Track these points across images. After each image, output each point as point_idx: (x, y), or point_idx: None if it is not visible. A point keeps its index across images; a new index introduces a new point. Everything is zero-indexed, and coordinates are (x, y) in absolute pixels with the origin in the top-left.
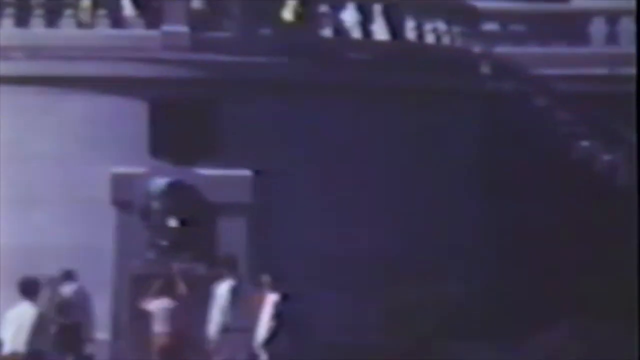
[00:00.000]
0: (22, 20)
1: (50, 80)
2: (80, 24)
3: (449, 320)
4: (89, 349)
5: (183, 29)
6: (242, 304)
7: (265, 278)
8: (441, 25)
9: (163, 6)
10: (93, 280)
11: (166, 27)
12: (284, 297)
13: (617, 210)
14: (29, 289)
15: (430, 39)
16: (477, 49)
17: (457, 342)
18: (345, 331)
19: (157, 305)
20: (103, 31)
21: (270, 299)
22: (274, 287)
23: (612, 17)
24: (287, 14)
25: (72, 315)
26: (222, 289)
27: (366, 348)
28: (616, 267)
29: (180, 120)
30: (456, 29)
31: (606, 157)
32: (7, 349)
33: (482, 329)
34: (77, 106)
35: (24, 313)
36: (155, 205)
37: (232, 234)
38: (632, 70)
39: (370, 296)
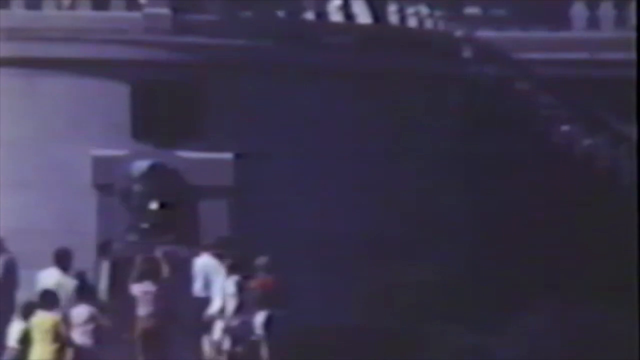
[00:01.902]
0: (2, 2)
1: (32, 62)
2: (61, 6)
3: (430, 303)
4: None
5: (165, 11)
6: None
7: (260, 261)
8: (423, 9)
9: None
10: (75, 262)
11: (148, 10)
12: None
13: (598, 193)
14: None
15: (412, 22)
16: (459, 33)
17: (438, 324)
18: (327, 313)
19: (140, 289)
20: (84, 13)
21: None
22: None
23: (593, 2)
24: None
25: None
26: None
27: (347, 330)
28: (597, 249)
29: (162, 103)
30: (438, 13)
31: (587, 141)
32: None
33: (463, 311)
34: (59, 89)
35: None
36: (137, 188)
37: (214, 217)
38: (613, 55)
39: (352, 278)
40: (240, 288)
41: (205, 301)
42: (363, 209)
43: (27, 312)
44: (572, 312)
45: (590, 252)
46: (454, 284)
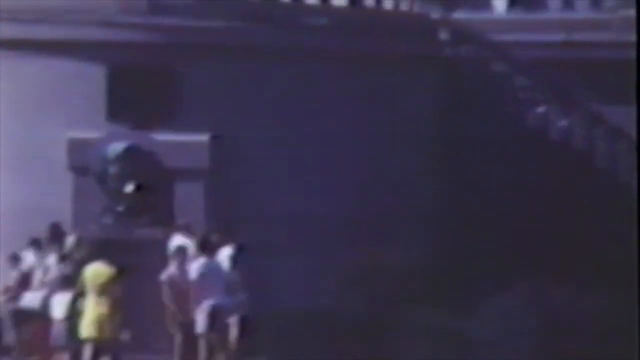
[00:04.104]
0: None
1: (6, 44)
2: None
3: (405, 286)
4: None
5: None
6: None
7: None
8: None
9: None
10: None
11: None
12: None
13: (573, 173)
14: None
15: (388, 4)
16: (435, 14)
17: (413, 306)
18: (302, 296)
19: None
20: None
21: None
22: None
23: None
24: None
25: None
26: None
27: (321, 313)
28: (571, 230)
29: (137, 85)
30: None
31: (563, 122)
32: None
33: (437, 294)
34: (34, 70)
35: None
36: (113, 170)
37: (190, 199)
38: (588, 37)
39: (327, 261)
40: (235, 263)
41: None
42: (338, 192)
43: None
44: (547, 293)
45: (565, 233)
46: (428, 267)
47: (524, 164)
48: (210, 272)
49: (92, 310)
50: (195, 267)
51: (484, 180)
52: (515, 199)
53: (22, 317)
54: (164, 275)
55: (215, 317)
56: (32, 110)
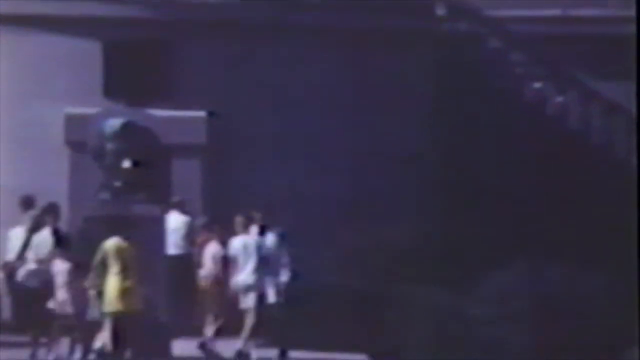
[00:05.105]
0: None
1: (1, 20)
2: None
3: (404, 264)
4: None
5: None
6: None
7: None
8: None
9: None
10: None
11: None
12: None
13: (570, 148)
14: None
15: None
16: None
17: (411, 285)
18: (299, 273)
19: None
20: None
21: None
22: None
23: None
24: None
25: None
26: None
27: (319, 290)
28: (568, 208)
29: (134, 61)
30: None
31: (559, 99)
32: None
33: (436, 272)
34: (30, 46)
35: None
36: (109, 146)
37: (186, 175)
38: (584, 12)
39: (325, 239)
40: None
41: (178, 258)
42: (336, 170)
43: None
44: (544, 272)
45: (562, 211)
46: (427, 246)
47: (520, 141)
48: (248, 249)
49: (118, 284)
50: (234, 243)
51: (480, 158)
52: (512, 177)
53: (22, 294)
54: (207, 253)
55: (259, 294)
56: (28, 86)
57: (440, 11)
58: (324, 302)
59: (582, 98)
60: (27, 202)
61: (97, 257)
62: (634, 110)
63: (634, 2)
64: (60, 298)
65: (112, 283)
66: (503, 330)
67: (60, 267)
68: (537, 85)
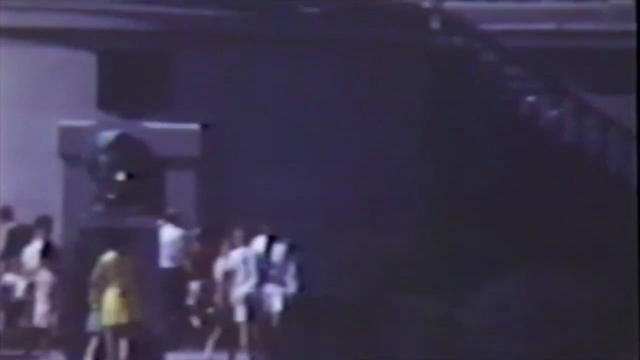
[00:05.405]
0: None
1: None
2: None
3: (400, 272)
4: None
5: None
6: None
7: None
8: None
9: None
10: None
11: None
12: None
13: (564, 162)
14: None
15: None
16: (427, 3)
17: (408, 294)
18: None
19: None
20: None
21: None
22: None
23: None
24: None
25: None
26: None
27: (315, 300)
28: (565, 219)
29: (128, 73)
30: None
31: (553, 112)
32: None
33: (434, 281)
34: (25, 58)
35: None
36: (104, 158)
37: (180, 188)
38: (579, 26)
39: (320, 249)
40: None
41: (172, 271)
42: (331, 180)
43: None
44: (540, 282)
45: (558, 223)
46: (425, 255)
47: (515, 153)
48: (248, 262)
49: (118, 298)
50: (233, 255)
51: (475, 169)
52: (507, 188)
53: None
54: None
55: (253, 306)
56: (23, 98)
57: (435, 25)
58: (322, 312)
59: (576, 111)
60: (5, 214)
61: (97, 271)
62: (632, 123)
63: (630, 16)
64: (40, 310)
65: (112, 296)
66: (501, 340)
67: (44, 279)
68: (532, 98)
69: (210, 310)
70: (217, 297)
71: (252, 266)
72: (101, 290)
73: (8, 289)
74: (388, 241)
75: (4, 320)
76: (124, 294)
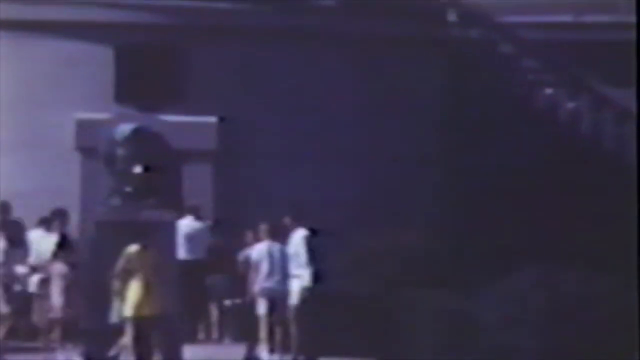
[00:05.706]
0: None
1: (15, 25)
2: None
3: (416, 268)
4: None
5: None
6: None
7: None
8: None
9: None
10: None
11: None
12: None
13: (581, 155)
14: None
15: None
16: None
17: (423, 289)
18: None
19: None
20: None
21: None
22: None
23: None
24: None
25: None
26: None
27: (331, 295)
28: (580, 213)
29: (145, 66)
30: None
31: (570, 105)
32: None
33: (448, 275)
34: (42, 52)
35: None
36: (121, 151)
37: (197, 181)
38: (595, 18)
39: (336, 244)
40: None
41: (192, 263)
42: (348, 175)
43: None
44: (555, 276)
45: (574, 217)
46: (438, 250)
47: (532, 146)
48: (273, 255)
49: (143, 289)
50: (259, 248)
51: (491, 162)
52: (523, 182)
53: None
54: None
55: (275, 300)
56: (40, 92)
57: (452, 17)
58: (336, 306)
59: (593, 104)
60: (3, 209)
61: (120, 263)
62: None
63: None
64: (56, 303)
65: (135, 288)
66: (515, 335)
67: (59, 270)
68: (549, 91)
69: (229, 302)
70: (239, 290)
71: (277, 260)
72: (124, 282)
73: (22, 282)
74: (404, 236)
75: (20, 312)
76: (147, 286)
